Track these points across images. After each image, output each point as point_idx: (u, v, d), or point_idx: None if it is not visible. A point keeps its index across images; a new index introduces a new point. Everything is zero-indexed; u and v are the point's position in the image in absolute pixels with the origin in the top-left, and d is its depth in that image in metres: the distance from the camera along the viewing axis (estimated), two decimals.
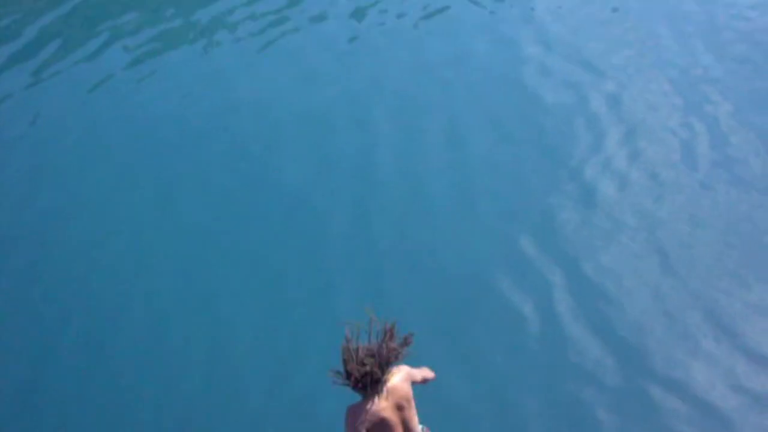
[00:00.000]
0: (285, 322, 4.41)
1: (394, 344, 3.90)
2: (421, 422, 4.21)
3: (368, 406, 3.95)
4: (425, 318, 4.41)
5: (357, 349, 3.85)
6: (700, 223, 4.69)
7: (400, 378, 4.08)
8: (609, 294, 4.36)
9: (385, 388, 3.97)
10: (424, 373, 4.35)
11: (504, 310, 4.25)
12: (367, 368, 3.89)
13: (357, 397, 3.87)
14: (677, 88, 5.67)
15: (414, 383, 4.24)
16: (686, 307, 4.25)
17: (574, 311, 4.29)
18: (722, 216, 4.73)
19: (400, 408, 4.08)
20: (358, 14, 6.60)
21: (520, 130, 5.41)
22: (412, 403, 4.16)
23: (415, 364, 3.95)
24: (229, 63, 6.15)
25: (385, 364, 3.88)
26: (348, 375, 3.84)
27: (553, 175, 5.04)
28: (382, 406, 4.00)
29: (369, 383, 3.88)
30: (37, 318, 4.53)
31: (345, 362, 3.85)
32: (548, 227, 4.74)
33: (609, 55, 6.04)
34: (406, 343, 3.93)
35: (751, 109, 5.45)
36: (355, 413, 3.95)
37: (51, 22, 6.72)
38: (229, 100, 5.78)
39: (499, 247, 4.64)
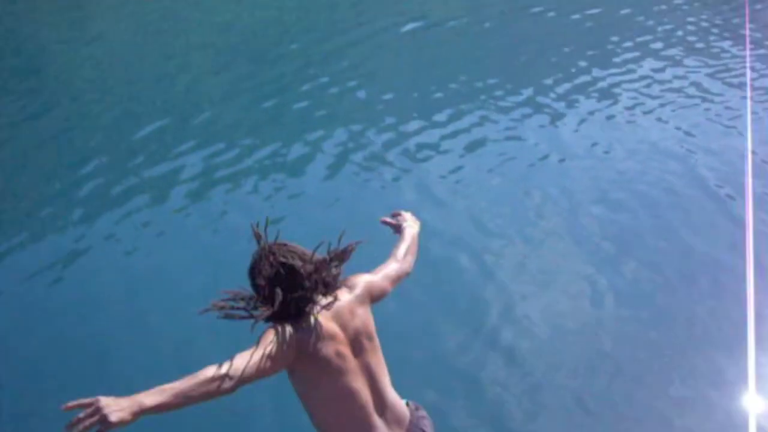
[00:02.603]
0: None
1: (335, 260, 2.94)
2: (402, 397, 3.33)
3: (304, 326, 2.83)
4: None
5: (283, 251, 2.86)
6: (617, 365, 5.08)
7: (353, 299, 3.04)
8: None
9: (327, 305, 2.89)
10: (398, 267, 3.29)
11: None
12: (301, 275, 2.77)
13: None
14: (579, 247, 6.29)
15: (385, 294, 3.22)
16: None
17: None
18: (630, 351, 5.14)
19: (357, 346, 2.98)
20: (250, 190, 7.11)
21: (432, 301, 5.79)
22: (377, 345, 3.12)
23: None
24: (141, 263, 6.38)
25: (324, 278, 2.87)
26: (265, 292, 2.79)
27: (469, 341, 5.38)
28: (328, 329, 2.88)
29: (300, 305, 2.82)
30: None
31: (260, 270, 2.81)
32: (472, 392, 5.01)
33: (510, 220, 6.62)
34: (344, 256, 2.99)
35: (645, 254, 6.07)
36: (280, 330, 2.77)
37: None
38: (136, 302, 5.99)
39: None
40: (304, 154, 7.93)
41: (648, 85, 9.12)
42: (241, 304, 2.82)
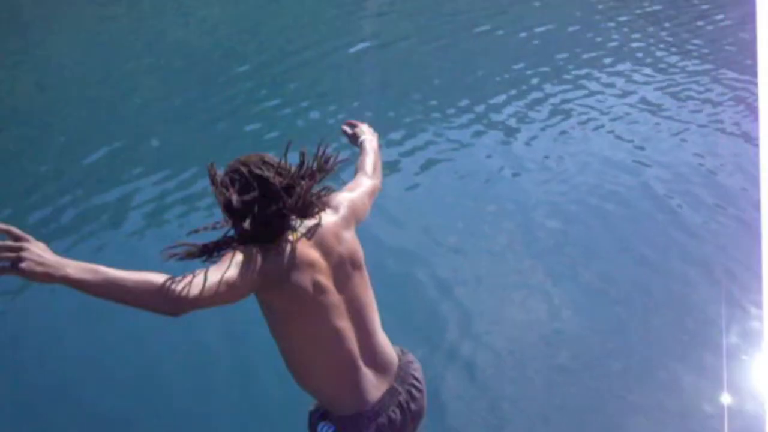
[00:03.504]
0: None
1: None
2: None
3: (275, 251, 2.48)
4: None
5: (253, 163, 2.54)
6: (576, 376, 5.22)
7: (339, 221, 2.71)
8: None
9: (307, 229, 2.59)
10: (371, 183, 3.05)
11: None
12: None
13: None
14: (534, 260, 6.41)
15: (366, 214, 2.95)
16: None
17: None
18: (589, 362, 5.30)
19: (342, 277, 2.65)
20: None
21: (390, 318, 5.80)
22: (366, 277, 2.82)
23: None
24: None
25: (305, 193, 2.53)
26: (233, 211, 2.46)
27: (428, 358, 5.42)
28: (304, 255, 2.53)
29: (273, 227, 2.49)
30: None
31: (227, 184, 2.50)
32: (434, 409, 5.06)
33: (466, 236, 6.75)
34: (326, 168, 2.66)
35: (599, 266, 6.24)
36: (246, 252, 2.43)
37: None
38: (94, 328, 5.96)
39: None
40: None
41: (599, 100, 9.36)
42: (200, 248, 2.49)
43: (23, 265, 2.12)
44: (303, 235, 2.59)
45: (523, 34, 12.12)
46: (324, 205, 2.69)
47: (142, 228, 7.16)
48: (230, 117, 9.41)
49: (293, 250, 2.52)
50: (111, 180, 8.00)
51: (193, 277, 2.30)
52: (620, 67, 10.44)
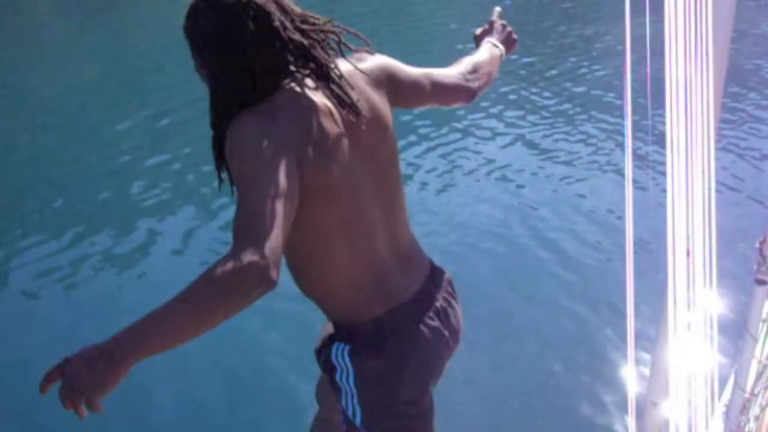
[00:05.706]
0: None
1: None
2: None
3: (287, 106, 1.98)
4: None
5: None
6: (467, 414, 5.40)
7: (363, 74, 2.12)
8: None
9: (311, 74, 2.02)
10: (457, 76, 2.44)
11: None
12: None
13: None
14: None
15: (417, 94, 2.37)
16: None
17: None
18: (485, 399, 5.50)
19: (363, 136, 2.11)
20: None
21: (290, 374, 6.03)
22: (396, 148, 2.34)
23: None
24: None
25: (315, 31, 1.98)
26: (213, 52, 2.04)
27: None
28: (321, 101, 2.02)
29: (272, 73, 1.97)
30: None
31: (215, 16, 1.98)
32: None
33: None
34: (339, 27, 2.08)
35: (489, 303, 6.50)
36: (258, 124, 1.93)
37: None
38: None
39: None
40: (145, 241, 7.94)
41: (487, 147, 9.85)
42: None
43: (97, 393, 1.57)
44: (308, 81, 2.04)
45: None
46: (335, 59, 2.13)
47: (29, 291, 7.14)
48: (114, 176, 9.43)
49: (308, 103, 1.98)
50: None
51: (248, 226, 1.71)
52: (506, 115, 11.01)
